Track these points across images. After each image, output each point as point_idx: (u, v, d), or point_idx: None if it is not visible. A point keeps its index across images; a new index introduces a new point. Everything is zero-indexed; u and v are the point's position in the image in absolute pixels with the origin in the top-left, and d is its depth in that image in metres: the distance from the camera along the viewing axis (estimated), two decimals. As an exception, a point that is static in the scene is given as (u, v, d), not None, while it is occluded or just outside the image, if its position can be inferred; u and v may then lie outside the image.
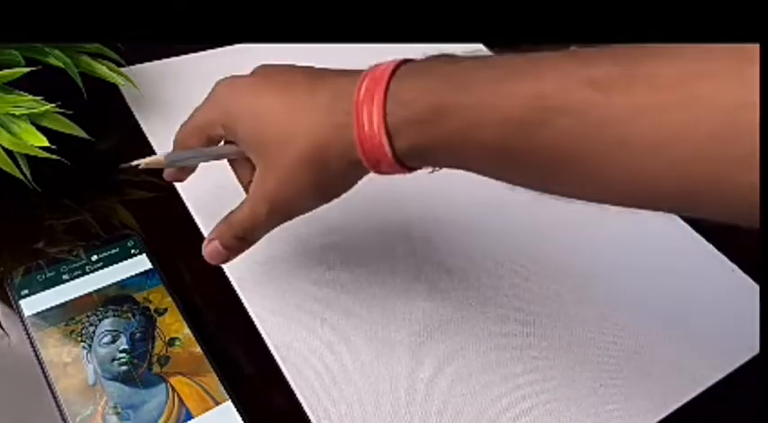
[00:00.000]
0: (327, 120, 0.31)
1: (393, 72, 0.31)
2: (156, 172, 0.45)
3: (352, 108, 0.30)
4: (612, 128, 0.24)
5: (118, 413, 0.32)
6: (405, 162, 0.31)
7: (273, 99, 0.33)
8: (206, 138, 0.36)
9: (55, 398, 0.32)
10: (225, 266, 0.40)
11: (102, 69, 0.43)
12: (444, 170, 0.49)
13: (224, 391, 0.34)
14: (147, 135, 0.47)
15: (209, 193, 0.44)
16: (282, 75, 0.36)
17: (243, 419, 0.33)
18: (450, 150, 0.30)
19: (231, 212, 0.35)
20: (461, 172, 0.50)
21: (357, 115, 0.30)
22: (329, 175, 0.33)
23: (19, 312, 0.35)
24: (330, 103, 0.32)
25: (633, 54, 0.25)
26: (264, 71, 0.37)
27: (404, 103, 0.30)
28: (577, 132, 0.24)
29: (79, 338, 0.35)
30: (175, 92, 0.51)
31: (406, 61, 0.33)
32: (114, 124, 0.48)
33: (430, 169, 0.32)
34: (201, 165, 0.46)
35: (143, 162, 0.35)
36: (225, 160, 0.47)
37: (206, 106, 0.36)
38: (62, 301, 0.36)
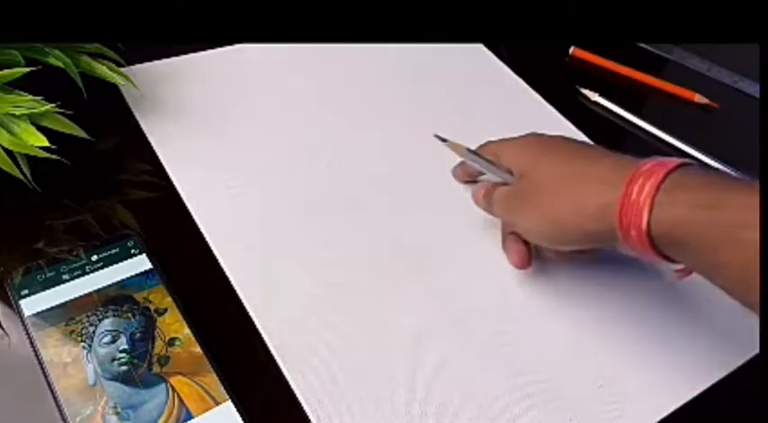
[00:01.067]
0: (602, 184, 0.35)
1: (681, 165, 0.34)
2: (156, 172, 0.45)
3: (626, 176, 0.34)
4: None
5: (118, 413, 0.32)
6: (654, 240, 0.33)
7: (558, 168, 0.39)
8: (506, 168, 0.43)
9: (55, 398, 0.32)
10: (225, 266, 0.40)
11: (102, 69, 0.43)
12: (444, 170, 0.49)
13: (224, 391, 0.34)
14: (147, 135, 0.47)
15: (210, 193, 0.44)
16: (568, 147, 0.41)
17: (243, 419, 0.33)
18: (708, 240, 0.31)
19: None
20: (461, 171, 0.50)
21: (629, 184, 0.33)
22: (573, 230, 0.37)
23: (19, 312, 0.35)
24: (608, 171, 0.36)
25: None
26: (558, 141, 0.42)
27: (682, 185, 0.32)
28: None
29: (79, 338, 0.35)
30: (175, 92, 0.51)
31: (693, 165, 0.35)
32: (114, 124, 0.48)
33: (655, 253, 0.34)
34: (202, 165, 0.46)
35: (449, 141, 0.45)
36: (225, 160, 0.47)
37: (515, 147, 0.43)
38: (62, 301, 0.36)
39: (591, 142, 0.54)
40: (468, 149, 0.44)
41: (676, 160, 0.34)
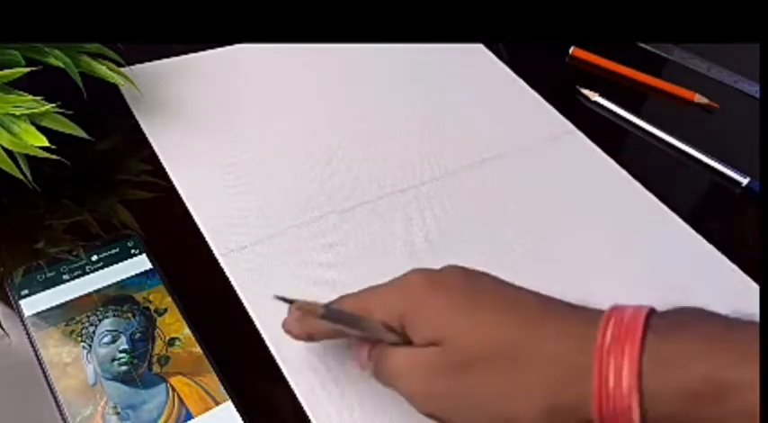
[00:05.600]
0: (561, 367, 0.27)
1: (646, 321, 0.27)
2: (156, 172, 0.45)
3: (593, 355, 0.26)
4: None
5: (118, 413, 0.32)
6: None
7: (494, 316, 0.29)
8: (380, 321, 0.31)
9: (55, 398, 0.32)
10: (225, 266, 0.40)
11: (102, 69, 0.43)
12: (444, 172, 0.49)
13: (224, 391, 0.34)
14: (147, 135, 0.47)
15: (209, 193, 0.44)
16: (498, 291, 0.31)
17: (243, 419, 0.33)
18: None
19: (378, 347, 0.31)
20: (461, 173, 0.50)
21: (599, 366, 0.26)
22: None
23: (19, 312, 0.35)
24: (564, 345, 0.27)
25: None
26: (472, 281, 0.32)
27: (668, 364, 0.25)
28: None
29: (79, 338, 0.35)
30: (175, 92, 0.51)
31: (652, 310, 0.28)
32: (114, 124, 0.48)
33: None
34: (202, 165, 0.46)
35: (298, 302, 0.32)
36: (225, 160, 0.47)
37: (397, 293, 0.32)
38: (62, 301, 0.36)
39: (594, 145, 0.54)
40: (326, 306, 0.32)
41: (636, 310, 0.28)
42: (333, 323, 0.32)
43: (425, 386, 0.29)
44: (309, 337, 0.34)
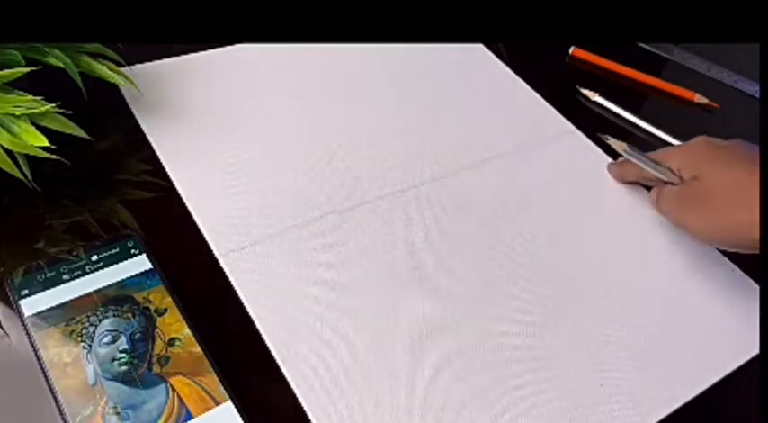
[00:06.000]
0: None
1: None
2: (156, 172, 0.45)
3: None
4: None
5: (118, 413, 0.32)
6: None
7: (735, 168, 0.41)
8: (669, 167, 0.45)
9: (55, 398, 0.32)
10: (225, 266, 0.40)
11: (102, 69, 0.43)
12: (444, 172, 0.49)
13: (224, 391, 0.34)
14: (147, 135, 0.47)
15: (209, 193, 0.44)
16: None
17: (243, 419, 0.33)
18: None
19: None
20: (461, 173, 0.50)
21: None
22: None
23: (19, 312, 0.35)
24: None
25: None
26: (734, 148, 0.43)
27: None
28: None
29: (79, 338, 0.35)
30: (175, 92, 0.51)
31: None
32: (114, 124, 0.48)
33: None
34: (202, 165, 0.46)
35: (612, 140, 0.49)
36: (225, 160, 0.47)
37: (686, 151, 0.45)
38: (62, 301, 0.36)
39: (594, 145, 0.54)
40: (630, 147, 0.48)
41: None
42: (635, 160, 0.47)
43: (674, 203, 0.44)
44: (620, 178, 0.50)
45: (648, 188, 0.50)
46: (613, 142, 0.49)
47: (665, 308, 0.43)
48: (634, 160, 0.47)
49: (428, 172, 0.49)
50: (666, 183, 0.45)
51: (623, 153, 0.48)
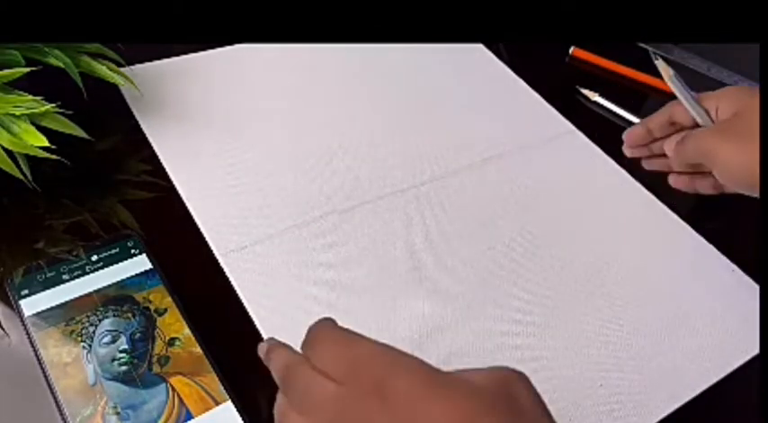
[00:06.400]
0: None
1: None
2: (156, 172, 0.45)
3: None
4: None
5: (118, 413, 0.32)
6: None
7: None
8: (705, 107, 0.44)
9: (55, 398, 0.32)
10: (225, 266, 0.40)
11: (102, 69, 0.43)
12: (444, 172, 0.49)
13: (224, 391, 0.34)
14: (147, 135, 0.47)
15: (209, 193, 0.44)
16: None
17: (243, 419, 0.33)
18: None
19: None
20: (461, 173, 0.50)
21: None
22: None
23: (19, 312, 0.35)
24: None
25: None
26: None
27: None
28: None
29: (79, 338, 0.35)
30: (175, 92, 0.51)
31: None
32: (114, 124, 0.48)
33: None
34: (202, 165, 0.46)
35: (660, 62, 0.47)
36: (225, 160, 0.47)
37: (725, 93, 0.44)
38: (62, 301, 0.36)
39: (594, 145, 0.54)
40: (676, 75, 0.46)
41: None
42: (677, 90, 0.45)
43: (708, 138, 0.41)
44: (632, 144, 0.48)
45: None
46: (661, 65, 0.47)
47: (664, 308, 0.43)
48: (675, 90, 0.45)
49: (428, 172, 0.49)
50: (691, 128, 0.45)
51: (667, 80, 0.46)
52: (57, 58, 0.41)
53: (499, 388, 0.25)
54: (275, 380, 0.27)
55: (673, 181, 0.46)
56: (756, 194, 0.39)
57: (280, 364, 0.27)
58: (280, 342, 0.30)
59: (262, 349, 0.30)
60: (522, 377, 0.26)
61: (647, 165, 0.48)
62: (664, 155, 0.46)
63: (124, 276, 0.38)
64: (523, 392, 0.25)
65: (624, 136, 0.49)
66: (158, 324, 0.36)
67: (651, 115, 0.47)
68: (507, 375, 0.26)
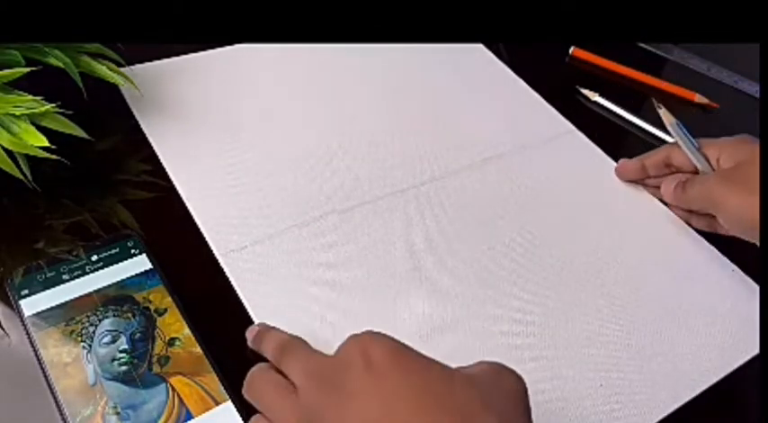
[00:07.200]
0: None
1: None
2: (156, 172, 0.45)
3: None
4: None
5: (118, 413, 0.32)
6: None
7: None
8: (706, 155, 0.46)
9: (55, 398, 0.32)
10: (225, 266, 0.40)
11: (102, 69, 0.43)
12: (444, 172, 0.49)
13: (224, 391, 0.34)
14: (147, 135, 0.47)
15: (209, 193, 0.44)
16: None
17: (243, 419, 0.33)
18: None
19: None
20: (461, 173, 0.50)
21: None
22: None
23: (19, 312, 0.35)
24: None
25: None
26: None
27: None
28: None
29: (79, 338, 0.35)
30: (175, 92, 0.51)
31: None
32: (114, 124, 0.48)
33: None
34: (202, 165, 0.46)
35: (663, 109, 0.49)
36: (225, 160, 0.47)
37: (729, 142, 0.45)
38: (62, 301, 0.36)
39: (594, 145, 0.54)
40: (678, 123, 0.47)
41: None
42: (679, 138, 0.46)
43: (714, 186, 0.43)
44: (624, 176, 0.50)
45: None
46: (664, 113, 0.48)
47: (665, 308, 0.43)
48: (678, 138, 0.47)
49: (428, 172, 0.49)
50: (691, 173, 0.46)
51: (670, 127, 0.47)
52: (57, 58, 0.41)
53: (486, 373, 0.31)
54: (269, 358, 0.33)
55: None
56: (755, 240, 0.41)
57: (275, 343, 0.34)
58: (269, 325, 0.36)
59: (251, 332, 0.36)
60: (511, 371, 0.31)
61: None
62: (656, 186, 0.49)
63: (124, 276, 0.38)
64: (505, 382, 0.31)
65: (618, 166, 0.51)
66: (158, 324, 0.36)
67: (647, 153, 0.49)
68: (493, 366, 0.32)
